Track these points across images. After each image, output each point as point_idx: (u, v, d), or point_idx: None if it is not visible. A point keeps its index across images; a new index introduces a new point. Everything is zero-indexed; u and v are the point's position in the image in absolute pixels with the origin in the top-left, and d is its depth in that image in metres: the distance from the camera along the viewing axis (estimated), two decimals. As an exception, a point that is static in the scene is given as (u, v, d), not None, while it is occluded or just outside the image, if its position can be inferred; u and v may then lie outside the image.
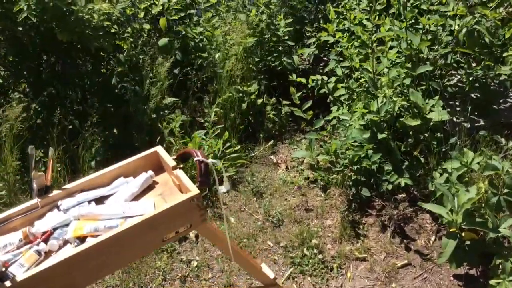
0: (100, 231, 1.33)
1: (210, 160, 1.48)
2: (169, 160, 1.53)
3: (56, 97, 3.68)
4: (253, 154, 3.53)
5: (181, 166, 1.53)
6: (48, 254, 1.32)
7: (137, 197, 1.49)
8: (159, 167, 1.58)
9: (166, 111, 3.53)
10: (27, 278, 1.18)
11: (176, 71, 3.67)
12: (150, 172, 1.54)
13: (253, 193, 3.17)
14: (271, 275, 1.81)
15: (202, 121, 3.56)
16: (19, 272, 1.22)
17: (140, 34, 3.89)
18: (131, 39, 3.81)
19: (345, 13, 3.53)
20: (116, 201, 1.45)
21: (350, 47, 3.33)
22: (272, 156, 3.53)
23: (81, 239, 1.33)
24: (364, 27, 3.37)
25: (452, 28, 2.92)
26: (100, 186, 1.51)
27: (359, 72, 3.32)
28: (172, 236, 1.40)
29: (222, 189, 1.57)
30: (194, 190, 1.41)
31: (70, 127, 3.52)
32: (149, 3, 4.00)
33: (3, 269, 1.24)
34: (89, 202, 1.45)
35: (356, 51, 3.32)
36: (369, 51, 3.08)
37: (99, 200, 1.47)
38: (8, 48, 3.53)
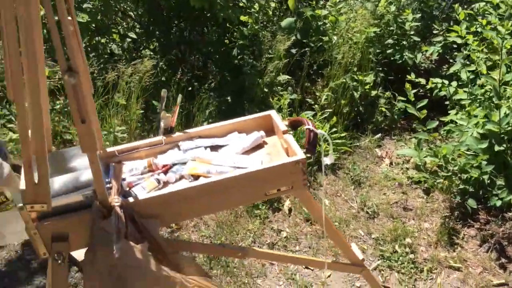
0: (212, 174, 1.44)
1: (319, 131, 1.52)
2: (281, 124, 1.59)
3: (181, 59, 3.96)
4: (357, 144, 3.49)
5: (291, 132, 1.59)
6: (165, 184, 1.46)
7: (247, 152, 1.58)
8: (269, 130, 1.66)
9: (278, 88, 3.63)
10: (147, 199, 1.34)
11: (293, 50, 3.74)
12: (262, 132, 1.62)
13: (351, 181, 3.15)
14: (360, 255, 1.81)
15: (312, 102, 3.60)
16: (141, 194, 1.38)
17: (265, 11, 4.02)
18: (256, 15, 3.95)
19: (476, 17, 3.30)
20: (228, 152, 1.55)
21: (480, 51, 3.12)
22: (377, 149, 3.46)
23: (195, 177, 1.46)
24: (498, 33, 3.12)
25: None
26: (215, 136, 1.63)
27: (484, 79, 3.10)
28: (274, 193, 1.47)
29: (326, 160, 1.60)
30: (300, 154, 1.46)
31: (190, 88, 3.78)
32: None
33: (127, 188, 1.42)
34: (205, 147, 1.57)
35: (485, 57, 3.11)
36: (498, 58, 2.86)
37: (214, 148, 1.58)
38: (146, 8, 3.87)
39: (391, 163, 3.32)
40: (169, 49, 3.96)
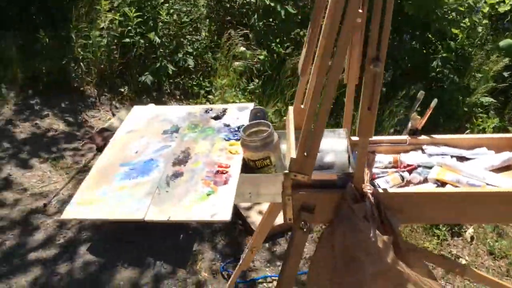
0: (462, 184, 1.42)
1: None
2: (542, 150, 1.49)
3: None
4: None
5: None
6: (407, 183, 1.47)
7: (494, 170, 1.51)
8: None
9: (478, 109, 3.41)
10: (394, 193, 1.35)
11: (506, 74, 3.47)
12: (515, 153, 1.54)
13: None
14: None
15: (515, 132, 3.31)
16: (385, 186, 1.41)
17: (475, 27, 3.78)
18: (465, 31, 3.75)
19: None
20: (476, 166, 1.50)
21: None
22: None
23: (441, 184, 1.45)
24: None
25: None
26: (462, 147, 1.58)
27: None
28: (524, 220, 1.39)
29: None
30: None
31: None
32: (496, 1, 3.85)
33: (369, 179, 1.47)
34: (451, 156, 1.54)
35: None
36: None
37: (459, 159, 1.54)
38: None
39: None
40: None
